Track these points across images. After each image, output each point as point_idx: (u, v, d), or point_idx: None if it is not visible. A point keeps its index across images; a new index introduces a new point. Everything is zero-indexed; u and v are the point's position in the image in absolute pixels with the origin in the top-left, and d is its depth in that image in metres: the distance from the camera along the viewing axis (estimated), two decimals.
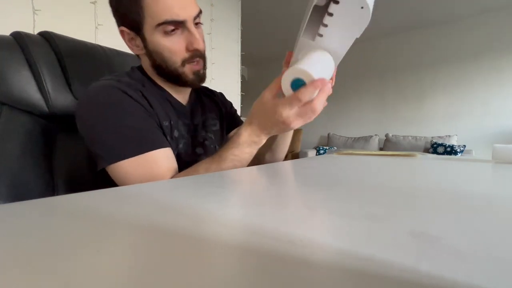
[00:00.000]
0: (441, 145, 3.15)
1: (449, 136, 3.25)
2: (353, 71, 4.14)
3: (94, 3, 1.40)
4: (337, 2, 0.32)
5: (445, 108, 3.44)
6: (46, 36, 0.59)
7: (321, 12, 0.34)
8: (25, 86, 0.53)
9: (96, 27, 1.41)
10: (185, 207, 0.19)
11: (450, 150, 3.06)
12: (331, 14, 0.33)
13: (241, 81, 2.56)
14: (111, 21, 0.52)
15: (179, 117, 0.57)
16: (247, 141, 0.47)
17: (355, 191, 0.26)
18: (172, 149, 0.51)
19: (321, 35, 0.36)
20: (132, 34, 0.51)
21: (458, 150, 3.04)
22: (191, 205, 0.20)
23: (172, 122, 0.54)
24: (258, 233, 0.14)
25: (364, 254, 0.11)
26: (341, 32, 0.35)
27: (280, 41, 3.99)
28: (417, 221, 0.16)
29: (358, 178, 0.36)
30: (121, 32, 0.52)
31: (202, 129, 0.63)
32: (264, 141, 0.49)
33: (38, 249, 0.12)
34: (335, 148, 3.93)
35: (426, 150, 3.25)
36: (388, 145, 3.58)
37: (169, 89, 0.57)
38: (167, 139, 0.51)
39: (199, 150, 0.59)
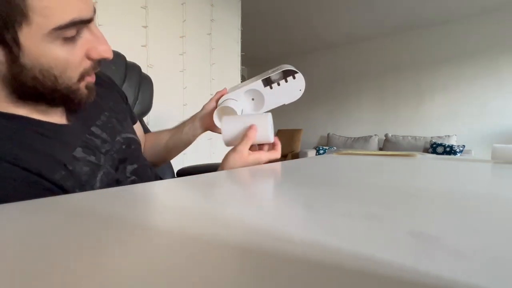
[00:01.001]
0: (441, 145, 3.15)
1: (449, 136, 3.26)
2: (352, 71, 4.14)
3: (94, 3, 1.39)
4: (294, 77, 0.53)
5: (444, 108, 3.45)
6: None
7: (280, 76, 0.54)
8: None
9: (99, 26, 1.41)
10: (185, 207, 0.19)
11: (450, 150, 3.06)
12: (286, 81, 0.53)
13: (241, 82, 2.56)
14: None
15: (73, 146, 0.37)
16: None
17: (355, 191, 0.26)
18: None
19: (271, 88, 0.54)
20: None
21: (458, 150, 3.04)
22: (191, 205, 0.20)
23: (70, 167, 0.35)
24: (258, 233, 0.14)
25: (364, 254, 0.11)
26: (283, 94, 0.54)
27: (280, 41, 3.99)
28: (416, 221, 0.17)
29: (358, 178, 0.36)
30: None
31: (111, 138, 0.44)
32: None
33: (38, 249, 0.12)
34: (335, 148, 3.93)
35: (426, 150, 3.26)
36: (387, 145, 3.59)
37: (30, 113, 0.36)
38: (70, 190, 0.34)
39: (122, 166, 0.44)
